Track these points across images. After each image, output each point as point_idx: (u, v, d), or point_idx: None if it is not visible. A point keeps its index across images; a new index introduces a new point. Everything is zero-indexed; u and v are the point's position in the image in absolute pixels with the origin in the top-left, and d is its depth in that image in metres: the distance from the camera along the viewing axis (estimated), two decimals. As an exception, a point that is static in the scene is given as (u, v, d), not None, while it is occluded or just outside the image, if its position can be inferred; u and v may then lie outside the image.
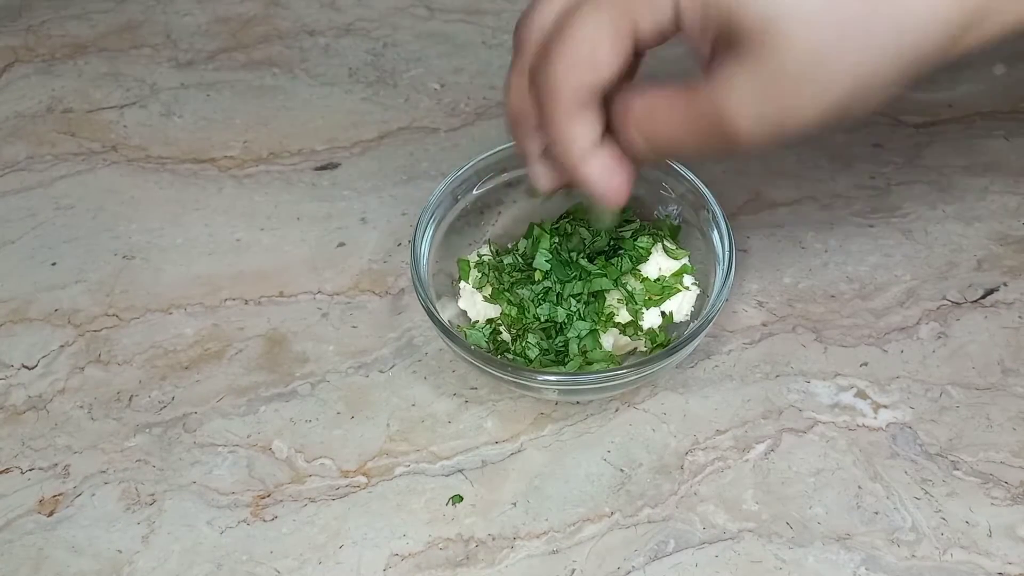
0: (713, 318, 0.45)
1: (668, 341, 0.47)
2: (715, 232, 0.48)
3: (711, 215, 0.48)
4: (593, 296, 0.47)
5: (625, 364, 0.46)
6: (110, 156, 0.62)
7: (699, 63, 0.36)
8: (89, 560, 0.44)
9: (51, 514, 0.46)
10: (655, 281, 0.48)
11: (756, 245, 0.55)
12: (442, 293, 0.50)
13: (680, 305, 0.48)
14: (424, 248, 0.49)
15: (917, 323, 0.51)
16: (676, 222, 0.51)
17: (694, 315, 0.48)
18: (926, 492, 0.45)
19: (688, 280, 0.48)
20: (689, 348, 0.45)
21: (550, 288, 0.47)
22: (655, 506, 0.45)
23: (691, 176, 0.50)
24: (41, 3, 0.72)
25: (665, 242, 0.49)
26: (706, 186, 0.49)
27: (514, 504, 0.45)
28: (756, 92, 0.33)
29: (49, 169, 0.61)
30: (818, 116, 0.33)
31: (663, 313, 0.47)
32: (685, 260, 0.49)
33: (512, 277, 0.48)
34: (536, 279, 0.47)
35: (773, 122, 0.33)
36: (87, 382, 0.50)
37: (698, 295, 0.48)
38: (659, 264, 0.48)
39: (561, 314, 0.46)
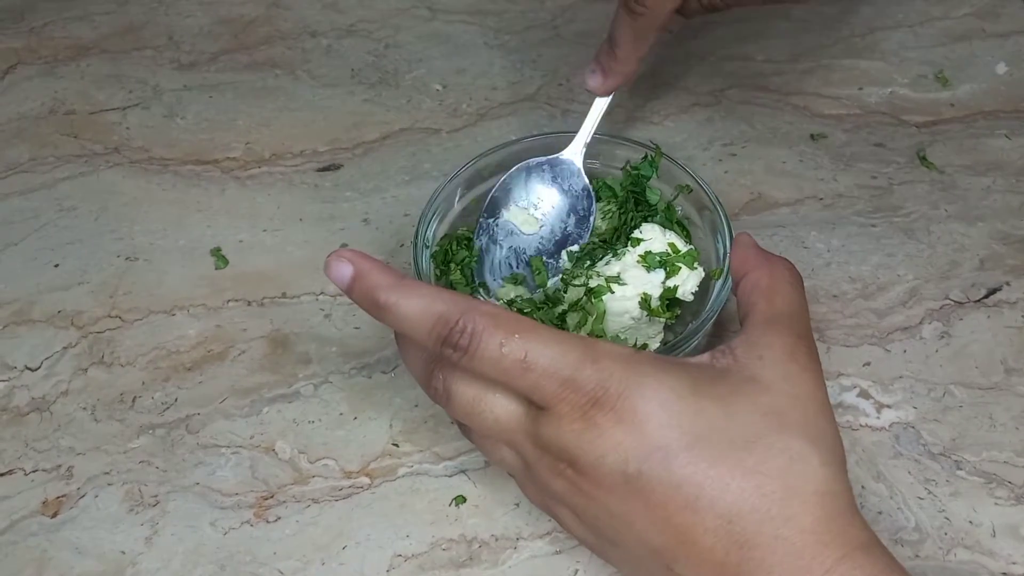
0: (713, 317, 0.45)
1: (664, 311, 0.47)
2: (717, 232, 0.48)
3: (712, 214, 0.48)
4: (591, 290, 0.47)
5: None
6: (113, 158, 0.62)
7: None
8: (93, 561, 0.44)
9: (55, 515, 0.46)
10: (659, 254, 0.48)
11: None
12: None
13: (685, 282, 0.47)
14: (425, 248, 0.49)
15: (920, 323, 0.51)
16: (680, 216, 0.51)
17: (697, 299, 0.48)
18: (929, 492, 0.45)
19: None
20: (689, 347, 0.45)
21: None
22: (658, 506, 0.45)
23: (694, 175, 0.49)
24: (43, 4, 0.72)
25: (674, 228, 0.49)
26: (708, 186, 0.49)
27: (517, 504, 0.45)
28: None
29: (52, 171, 0.61)
30: None
31: (666, 286, 0.47)
32: (691, 246, 0.48)
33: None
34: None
35: None
36: (90, 384, 0.50)
37: (702, 280, 0.48)
38: (665, 243, 0.48)
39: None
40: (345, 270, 0.36)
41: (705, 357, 0.36)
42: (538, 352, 0.33)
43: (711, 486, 0.32)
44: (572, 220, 0.51)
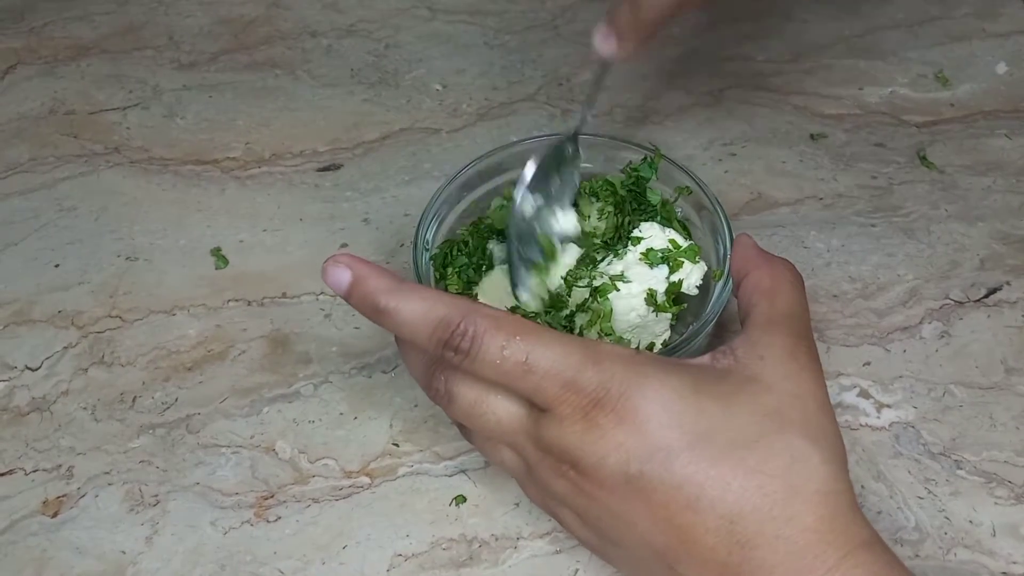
0: (714, 319, 0.45)
1: (670, 305, 0.47)
2: (716, 233, 0.48)
3: (712, 215, 0.48)
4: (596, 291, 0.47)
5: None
6: (113, 158, 0.62)
7: None
8: (93, 561, 0.44)
9: (55, 515, 0.46)
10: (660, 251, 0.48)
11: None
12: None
13: (689, 275, 0.47)
14: (425, 250, 0.49)
15: (920, 322, 0.51)
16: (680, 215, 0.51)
17: (698, 300, 0.48)
18: (929, 492, 0.45)
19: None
20: (690, 348, 0.45)
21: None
22: (658, 506, 0.45)
23: (693, 176, 0.49)
24: (43, 5, 0.72)
25: (674, 227, 0.49)
26: (708, 186, 0.49)
27: (517, 504, 0.45)
28: None
29: (52, 171, 0.61)
30: None
31: (671, 281, 0.47)
32: (692, 241, 0.48)
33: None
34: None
35: None
36: (91, 383, 0.50)
37: (704, 273, 0.48)
38: (666, 239, 0.48)
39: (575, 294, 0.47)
40: (343, 275, 0.36)
41: (706, 358, 0.36)
42: (539, 354, 0.33)
43: (712, 486, 0.32)
44: (555, 183, 0.49)
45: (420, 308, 0.35)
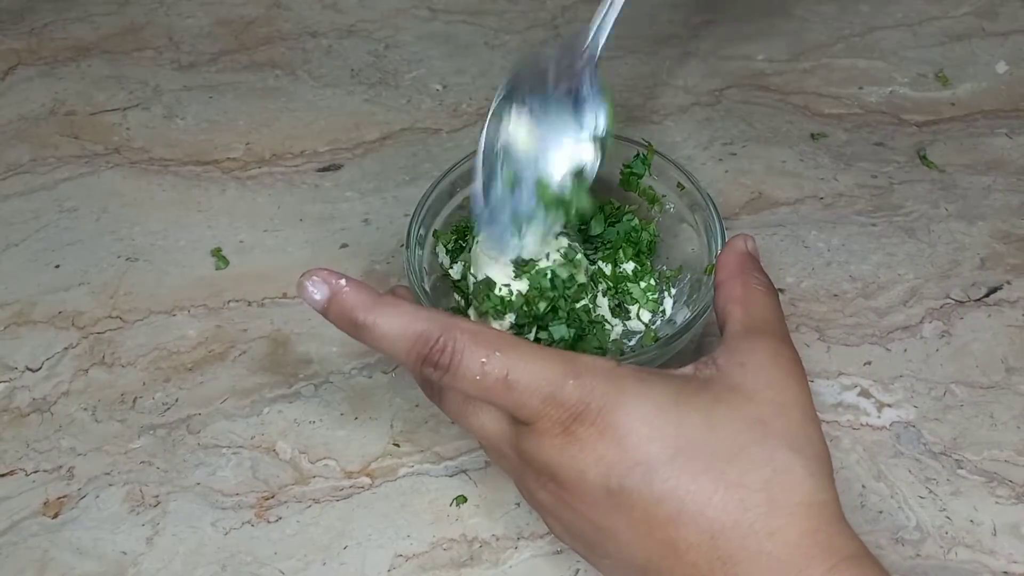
0: (706, 313, 0.44)
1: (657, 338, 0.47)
2: (709, 230, 0.47)
3: (705, 212, 0.48)
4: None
5: (620, 359, 0.45)
6: (113, 158, 0.62)
7: None
8: (94, 562, 0.44)
9: (56, 516, 0.46)
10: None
11: (758, 245, 0.55)
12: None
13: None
14: (419, 242, 0.48)
15: (920, 322, 0.51)
16: (655, 237, 0.51)
17: (690, 294, 0.48)
18: (930, 491, 0.45)
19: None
20: (683, 341, 0.44)
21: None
22: (659, 506, 0.45)
23: (686, 173, 0.49)
24: (44, 5, 0.72)
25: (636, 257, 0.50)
26: (699, 183, 0.49)
27: (518, 504, 0.45)
28: None
29: (52, 171, 0.61)
30: None
31: (656, 311, 0.48)
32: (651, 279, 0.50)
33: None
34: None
35: None
36: (91, 384, 0.51)
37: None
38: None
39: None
40: (319, 291, 0.35)
41: (689, 368, 0.36)
42: (520, 369, 0.33)
43: (692, 500, 0.32)
44: (584, 133, 0.43)
45: (399, 323, 0.34)
